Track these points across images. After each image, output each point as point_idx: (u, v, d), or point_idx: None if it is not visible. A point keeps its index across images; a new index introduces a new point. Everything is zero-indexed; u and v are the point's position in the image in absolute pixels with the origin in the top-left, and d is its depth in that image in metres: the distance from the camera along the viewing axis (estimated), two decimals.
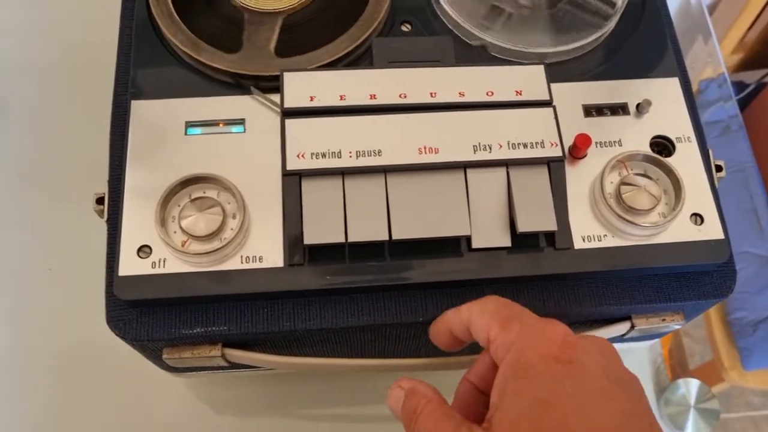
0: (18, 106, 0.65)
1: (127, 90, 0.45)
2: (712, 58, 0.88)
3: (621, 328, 0.44)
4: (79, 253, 0.58)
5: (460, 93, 0.43)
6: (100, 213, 0.43)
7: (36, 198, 0.60)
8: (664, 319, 0.44)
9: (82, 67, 0.66)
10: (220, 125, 0.44)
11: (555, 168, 0.42)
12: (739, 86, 1.05)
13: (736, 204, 0.85)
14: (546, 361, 0.32)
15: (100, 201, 0.43)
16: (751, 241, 0.84)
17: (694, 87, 0.88)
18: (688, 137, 0.45)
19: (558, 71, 0.46)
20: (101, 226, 0.47)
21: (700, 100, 0.88)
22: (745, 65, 1.04)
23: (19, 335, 0.57)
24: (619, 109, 0.46)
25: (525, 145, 0.42)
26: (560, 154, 0.42)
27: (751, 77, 1.04)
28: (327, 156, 0.40)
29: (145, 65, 0.45)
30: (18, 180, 0.61)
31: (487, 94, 0.43)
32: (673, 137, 0.45)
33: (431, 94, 0.42)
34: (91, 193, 0.48)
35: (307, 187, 0.40)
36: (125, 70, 0.46)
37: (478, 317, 0.35)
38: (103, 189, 0.44)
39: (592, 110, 0.46)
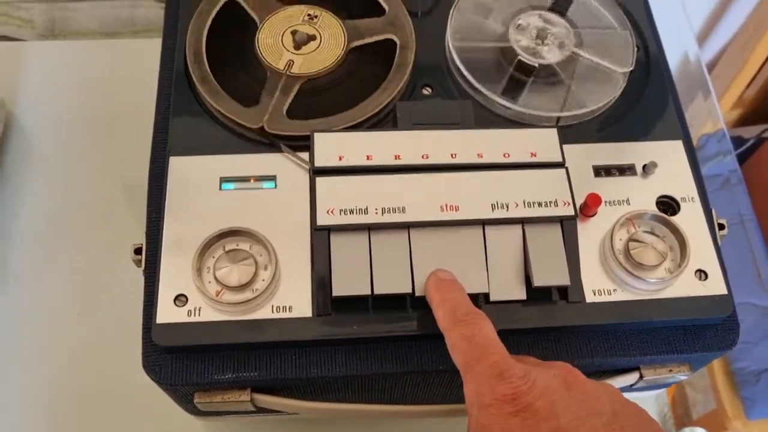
0: (58, 153, 0.68)
1: (164, 146, 0.48)
2: (712, 114, 0.92)
3: (630, 378, 0.46)
4: (108, 297, 0.60)
5: (478, 154, 0.46)
6: (138, 263, 0.46)
7: (70, 243, 0.63)
8: (671, 370, 0.46)
9: (123, 119, 0.69)
10: (252, 181, 0.47)
11: (568, 226, 0.44)
12: (738, 141, 1.09)
13: (736, 256, 0.87)
14: (501, 422, 0.34)
15: (138, 251, 0.46)
16: (752, 292, 0.86)
17: (695, 141, 0.91)
18: (692, 197, 0.48)
19: (570, 133, 0.49)
20: (130, 273, 0.49)
21: (700, 154, 0.91)
22: (744, 120, 1.08)
23: (46, 376, 0.59)
24: (626, 170, 0.49)
25: (540, 204, 0.44)
26: (573, 212, 0.44)
27: (750, 132, 1.08)
28: (354, 212, 0.43)
29: (182, 123, 0.48)
30: (54, 226, 0.64)
31: (503, 155, 0.46)
32: (678, 197, 0.48)
33: (452, 155, 0.45)
34: (121, 239, 0.51)
35: (336, 241, 0.43)
36: (163, 128, 0.49)
37: (452, 352, 0.38)
38: (140, 240, 0.47)
39: (601, 171, 0.48)
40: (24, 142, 0.69)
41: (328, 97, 0.49)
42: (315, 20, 0.52)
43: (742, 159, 1.09)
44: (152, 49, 0.61)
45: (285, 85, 0.49)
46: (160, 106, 0.50)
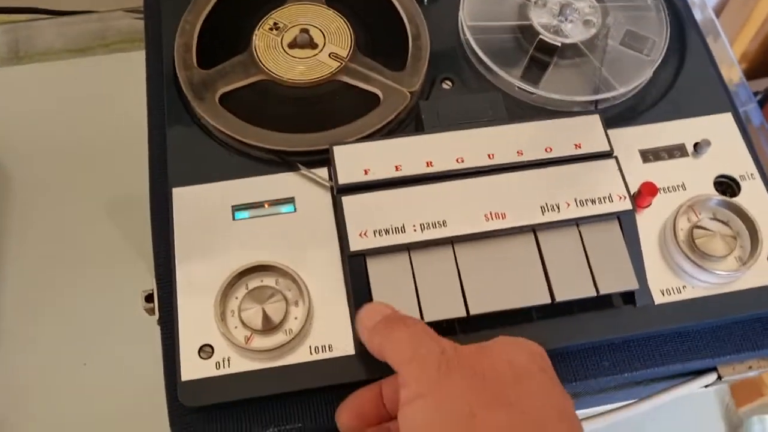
0: (40, 186, 0.63)
1: (164, 177, 0.43)
2: (725, 59, 0.86)
3: (707, 379, 0.42)
4: (115, 344, 0.55)
5: (518, 152, 0.41)
6: (150, 311, 0.41)
7: (74, 289, 0.57)
8: (750, 367, 0.42)
9: (106, 143, 0.64)
10: (268, 206, 0.42)
11: (627, 222, 0.40)
12: None
13: None
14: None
15: (149, 299, 0.41)
16: None
17: None
18: (752, 174, 0.44)
19: (609, 117, 0.45)
20: (137, 318, 0.44)
21: None
22: (748, 75, 1.04)
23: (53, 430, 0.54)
24: (676, 152, 0.44)
25: (593, 201, 0.40)
26: (630, 207, 0.40)
27: (756, 86, 1.04)
28: (390, 232, 0.38)
29: (182, 150, 0.43)
30: (46, 269, 0.59)
31: (545, 150, 0.41)
32: (736, 176, 0.43)
33: (489, 155, 0.41)
34: (124, 277, 0.46)
35: (374, 266, 0.38)
36: (160, 157, 0.44)
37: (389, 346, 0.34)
38: (148, 282, 0.42)
39: (649, 155, 0.44)
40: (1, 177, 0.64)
41: (337, 106, 0.44)
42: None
43: None
44: (126, 63, 0.56)
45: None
46: (153, 134, 0.45)
